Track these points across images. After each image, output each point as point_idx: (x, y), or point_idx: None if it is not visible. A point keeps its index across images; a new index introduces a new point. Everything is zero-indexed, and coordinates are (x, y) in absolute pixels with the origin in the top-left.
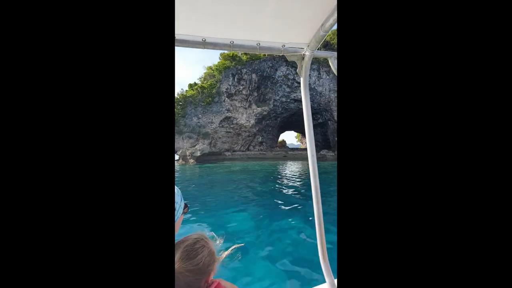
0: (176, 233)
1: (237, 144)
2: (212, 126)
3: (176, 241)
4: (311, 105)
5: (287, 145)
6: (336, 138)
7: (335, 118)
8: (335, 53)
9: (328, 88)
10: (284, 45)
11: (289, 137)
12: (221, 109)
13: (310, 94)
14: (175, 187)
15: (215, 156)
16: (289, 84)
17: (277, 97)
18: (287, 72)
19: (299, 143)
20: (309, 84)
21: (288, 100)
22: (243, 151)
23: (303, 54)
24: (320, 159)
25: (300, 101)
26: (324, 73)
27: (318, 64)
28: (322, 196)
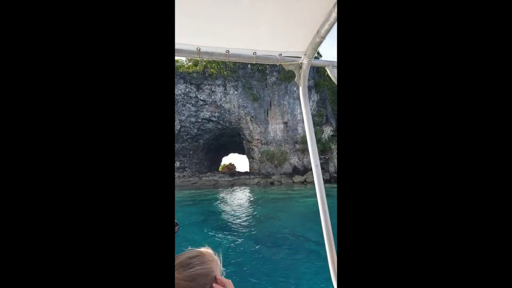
0: None
1: None
2: None
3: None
4: (222, 126)
5: (236, 169)
6: (253, 160)
7: (247, 137)
8: (334, 61)
9: (237, 104)
10: (281, 54)
11: (241, 161)
12: None
13: (217, 113)
14: None
15: None
16: (193, 103)
17: (183, 117)
18: (187, 90)
19: None
20: (215, 101)
21: (200, 120)
22: None
23: (301, 62)
24: (242, 184)
25: (218, 122)
26: (232, 88)
27: (224, 79)
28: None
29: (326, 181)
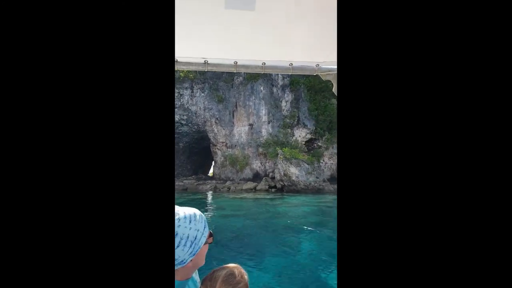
0: (200, 265)
1: None
2: None
3: (213, 269)
4: (191, 129)
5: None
6: (215, 164)
7: (212, 140)
8: None
9: (203, 106)
10: (318, 65)
11: None
12: None
13: (186, 116)
14: (199, 212)
15: None
16: None
17: None
18: None
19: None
20: (183, 104)
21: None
22: None
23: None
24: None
25: (187, 125)
26: (198, 90)
27: (191, 81)
28: None
29: (270, 189)
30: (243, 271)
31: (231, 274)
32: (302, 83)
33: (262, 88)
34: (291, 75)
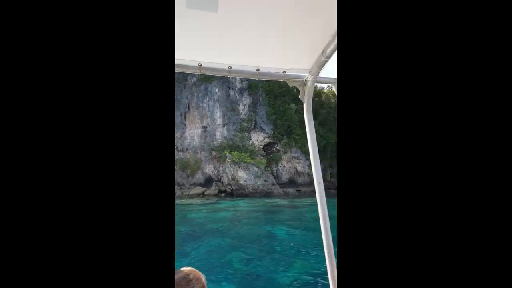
0: None
1: None
2: None
3: None
4: None
5: None
6: None
7: None
8: None
9: None
10: (285, 71)
11: None
12: None
13: None
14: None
15: None
16: None
17: None
18: None
19: None
20: None
21: None
22: None
23: (306, 80)
24: None
25: None
26: None
27: None
28: None
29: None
30: (198, 274)
31: (185, 277)
32: (261, 86)
33: (217, 90)
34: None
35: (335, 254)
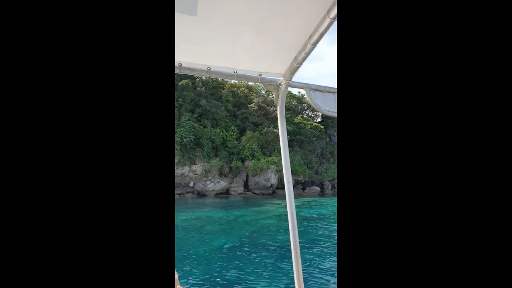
0: None
1: None
2: None
3: None
4: None
5: None
6: None
7: None
8: (312, 84)
9: None
10: (261, 74)
11: None
12: None
13: None
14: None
15: None
16: None
17: None
18: None
19: None
20: None
21: None
22: None
23: (279, 84)
24: None
25: None
26: None
27: None
28: None
29: None
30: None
31: None
32: None
33: None
34: None
35: (300, 252)
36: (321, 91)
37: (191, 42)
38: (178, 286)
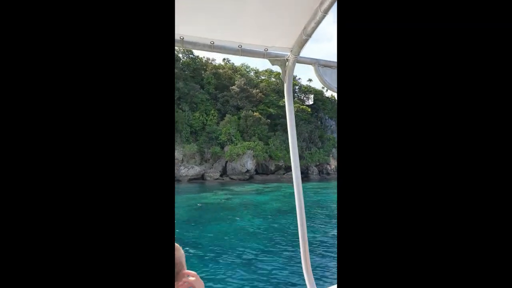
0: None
1: None
2: None
3: None
4: None
5: None
6: None
7: None
8: (321, 60)
9: None
10: (267, 49)
11: None
12: None
13: None
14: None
15: None
16: None
17: None
18: None
19: None
20: None
21: None
22: None
23: (287, 59)
24: None
25: None
26: None
27: None
28: None
29: None
30: (176, 245)
31: None
32: None
33: None
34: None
35: (308, 237)
36: (330, 67)
37: (194, 15)
38: (185, 270)
